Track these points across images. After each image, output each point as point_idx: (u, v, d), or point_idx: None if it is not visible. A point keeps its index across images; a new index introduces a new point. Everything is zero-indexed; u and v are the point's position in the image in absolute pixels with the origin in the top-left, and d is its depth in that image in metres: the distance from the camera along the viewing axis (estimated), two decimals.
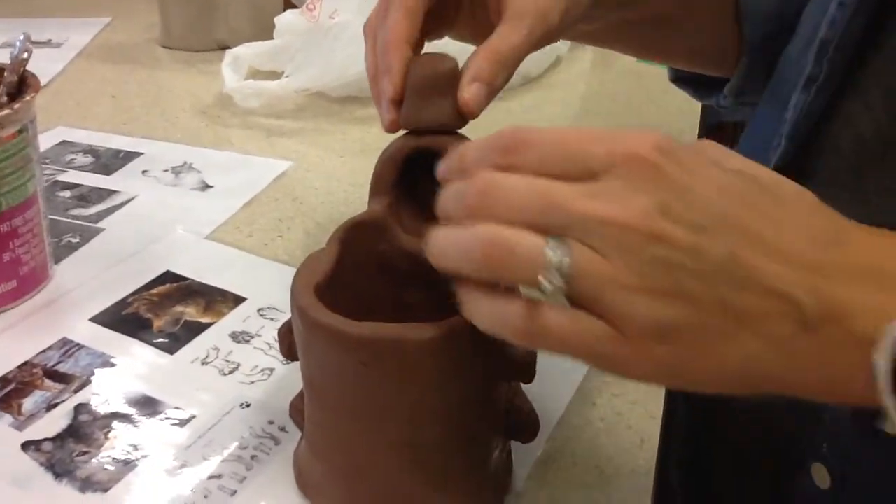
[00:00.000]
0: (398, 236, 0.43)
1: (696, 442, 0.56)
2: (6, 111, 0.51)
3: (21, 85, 0.56)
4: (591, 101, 0.97)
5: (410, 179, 0.43)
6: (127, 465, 0.44)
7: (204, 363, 0.51)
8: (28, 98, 0.53)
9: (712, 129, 1.06)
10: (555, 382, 0.50)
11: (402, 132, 0.43)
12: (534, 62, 0.98)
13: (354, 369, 0.35)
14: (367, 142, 0.81)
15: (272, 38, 0.94)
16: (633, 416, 0.48)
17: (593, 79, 1.04)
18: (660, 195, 0.28)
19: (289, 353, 0.40)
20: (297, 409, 0.43)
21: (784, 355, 0.28)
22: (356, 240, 0.42)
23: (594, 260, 0.28)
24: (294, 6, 1.01)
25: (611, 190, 0.28)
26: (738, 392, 0.30)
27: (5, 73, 0.56)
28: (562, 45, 1.02)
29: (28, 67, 0.57)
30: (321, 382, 0.38)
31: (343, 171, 0.76)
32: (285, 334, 0.41)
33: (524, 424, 0.41)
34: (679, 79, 0.64)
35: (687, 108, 0.94)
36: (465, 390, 0.37)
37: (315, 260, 0.39)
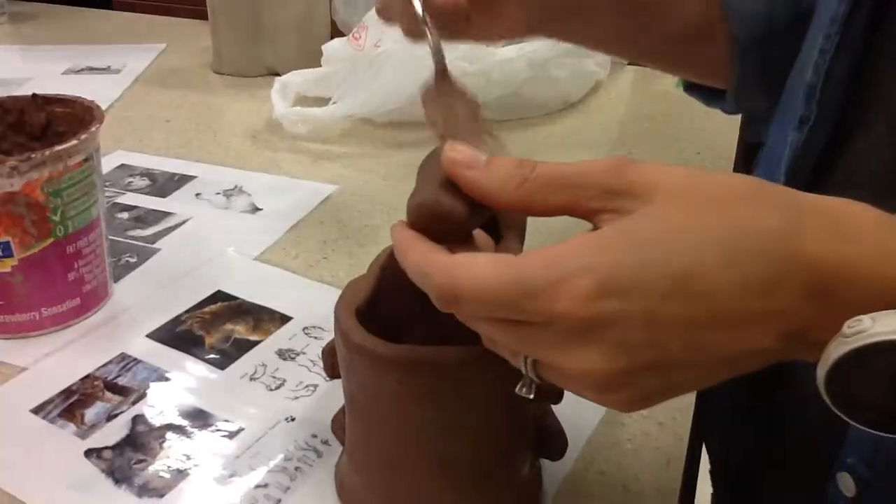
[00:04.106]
0: None
1: (730, 457, 0.58)
2: (73, 142, 0.55)
3: (86, 116, 0.60)
4: (629, 125, 0.99)
5: None
6: (180, 474, 0.47)
7: (252, 379, 0.55)
8: (93, 129, 0.57)
9: (751, 149, 1.08)
10: (585, 404, 0.51)
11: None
12: (573, 87, 1.00)
13: (390, 387, 0.38)
14: (411, 166, 0.83)
15: (319, 65, 0.98)
16: (661, 437, 0.50)
17: (632, 102, 1.06)
18: (601, 345, 0.29)
19: (332, 371, 0.43)
20: (339, 424, 0.45)
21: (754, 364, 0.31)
22: (396, 265, 0.44)
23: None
24: (342, 34, 1.05)
25: (559, 345, 0.30)
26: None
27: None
28: (601, 70, 1.05)
29: (89, 94, 0.62)
30: (361, 399, 0.40)
31: (386, 195, 0.79)
32: (329, 354, 0.43)
33: (553, 443, 0.43)
34: (690, 87, 0.67)
35: (726, 129, 0.95)
36: (494, 409, 0.39)
37: (356, 285, 0.42)
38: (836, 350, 0.28)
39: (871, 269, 0.29)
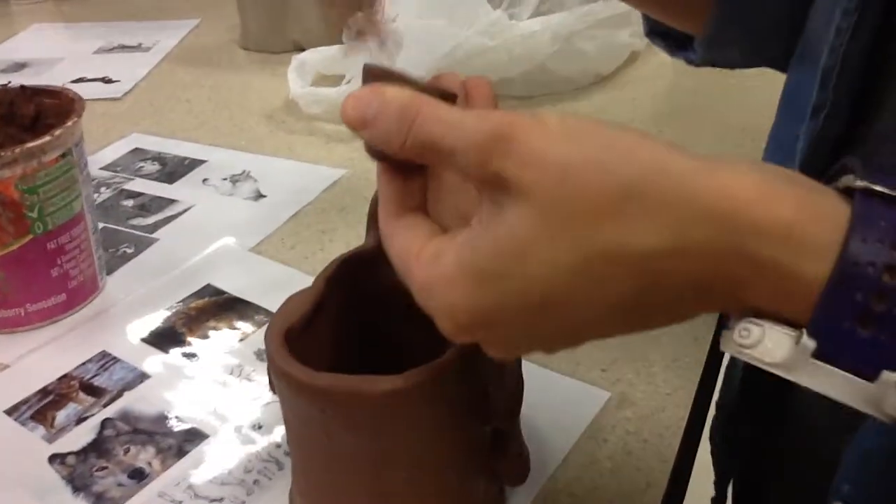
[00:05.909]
0: (392, 271, 0.43)
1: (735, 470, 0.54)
2: (46, 138, 0.54)
3: (71, 108, 0.59)
4: (665, 100, 0.93)
5: None
6: (139, 483, 0.46)
7: (226, 382, 0.53)
8: (70, 124, 0.56)
9: None
10: (568, 416, 0.48)
11: None
12: (603, 60, 0.95)
13: (317, 417, 0.35)
14: None
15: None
16: (644, 456, 0.47)
17: (671, 75, 1.00)
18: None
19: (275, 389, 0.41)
20: None
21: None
22: (346, 276, 0.42)
23: None
24: None
25: None
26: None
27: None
28: (637, 41, 0.99)
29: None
30: (294, 424, 0.38)
31: None
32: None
33: (510, 468, 0.40)
34: (653, 32, 0.62)
35: (766, 106, 0.88)
36: (431, 437, 0.36)
37: (293, 302, 0.39)
38: (726, 345, 0.28)
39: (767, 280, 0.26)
